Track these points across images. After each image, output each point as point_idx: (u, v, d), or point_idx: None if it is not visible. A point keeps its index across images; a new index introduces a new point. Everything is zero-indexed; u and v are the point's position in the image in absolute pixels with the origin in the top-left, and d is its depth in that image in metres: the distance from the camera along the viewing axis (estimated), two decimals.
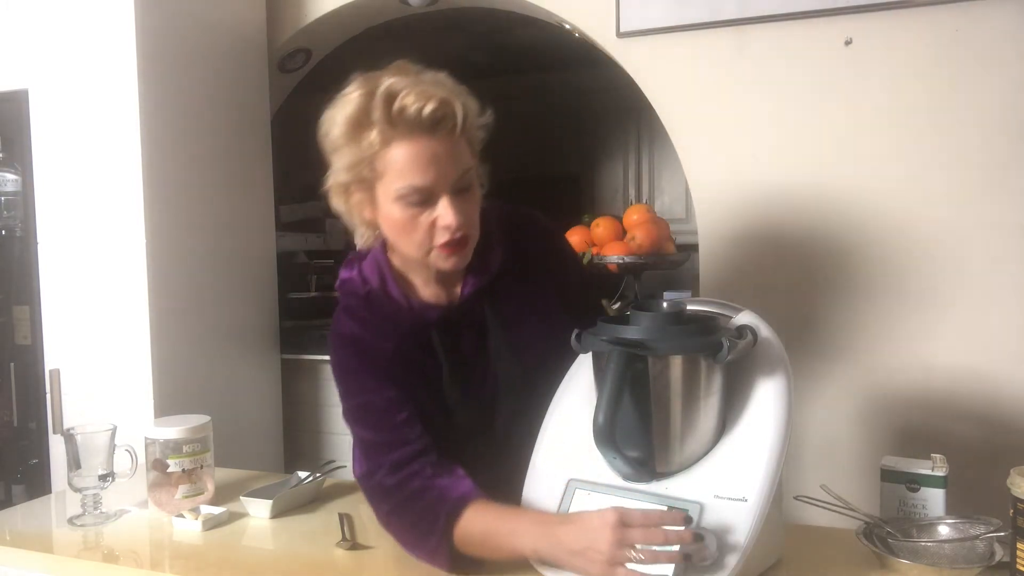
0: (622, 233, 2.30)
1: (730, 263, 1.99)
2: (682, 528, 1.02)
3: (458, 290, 1.25)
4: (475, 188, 1.17)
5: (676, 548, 1.00)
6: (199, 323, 2.14)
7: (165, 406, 1.97)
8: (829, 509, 1.25)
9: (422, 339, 1.24)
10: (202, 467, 1.51)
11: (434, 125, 1.10)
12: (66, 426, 1.58)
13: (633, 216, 2.33)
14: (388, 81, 1.10)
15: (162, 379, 2.00)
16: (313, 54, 2.61)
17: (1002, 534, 1.11)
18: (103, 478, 1.45)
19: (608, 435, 1.04)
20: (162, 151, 2.01)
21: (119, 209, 1.98)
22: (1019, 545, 1.05)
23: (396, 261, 1.25)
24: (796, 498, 1.28)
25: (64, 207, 2.05)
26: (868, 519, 1.21)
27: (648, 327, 1.08)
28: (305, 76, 2.69)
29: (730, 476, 1.06)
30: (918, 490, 1.23)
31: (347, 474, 1.32)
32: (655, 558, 1.00)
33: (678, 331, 1.08)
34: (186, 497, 1.48)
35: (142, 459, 1.50)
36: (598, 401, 1.04)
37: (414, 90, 1.09)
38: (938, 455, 1.25)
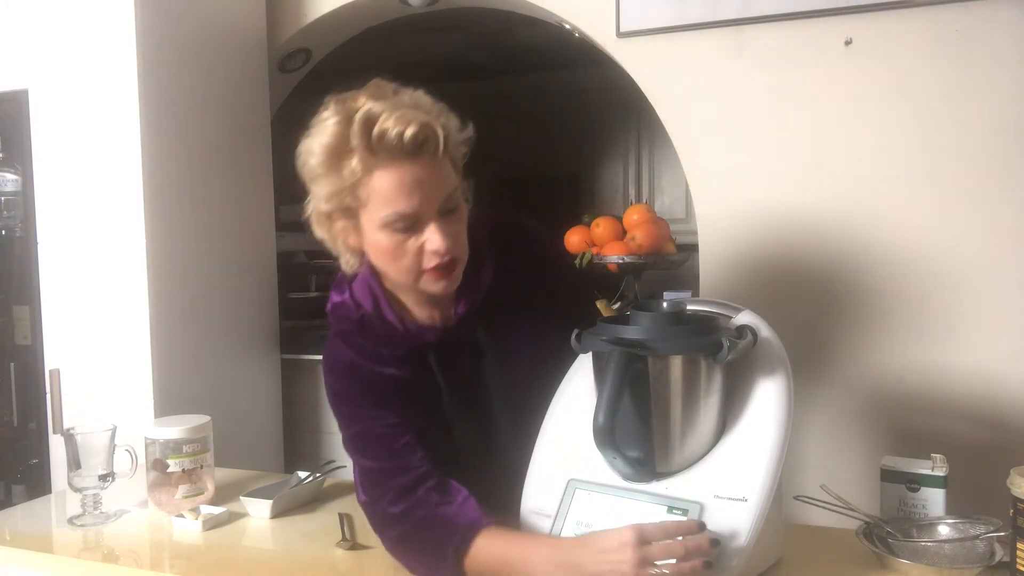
0: (622, 233, 2.30)
1: (730, 263, 1.99)
2: (700, 536, 1.01)
3: (452, 310, 1.23)
4: (462, 208, 1.14)
5: (699, 560, 0.99)
6: (199, 323, 2.14)
7: (165, 406, 1.97)
8: (829, 509, 1.25)
9: (419, 362, 1.22)
10: (202, 467, 1.51)
11: (416, 149, 1.07)
12: (66, 426, 1.58)
13: (633, 216, 2.33)
14: (366, 106, 1.06)
15: (162, 379, 2.00)
16: (313, 54, 2.61)
17: (1002, 534, 1.11)
18: (103, 478, 1.46)
19: (608, 435, 1.04)
20: (162, 151, 2.01)
21: (119, 209, 1.98)
22: (1019, 545, 1.05)
23: (387, 283, 1.22)
24: (796, 498, 1.28)
25: (64, 207, 2.05)
26: (868, 519, 1.21)
27: (648, 327, 1.08)
28: (305, 76, 2.69)
29: (730, 476, 1.06)
30: (918, 490, 1.23)
31: (347, 474, 1.31)
32: (679, 572, 0.98)
33: (678, 331, 1.08)
34: (186, 497, 1.48)
35: (142, 459, 1.50)
36: (598, 401, 1.04)
37: (393, 114, 1.05)
38: (938, 455, 1.25)
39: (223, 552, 1.34)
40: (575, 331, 1.11)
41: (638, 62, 2.05)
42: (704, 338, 1.07)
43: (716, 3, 1.94)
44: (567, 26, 2.20)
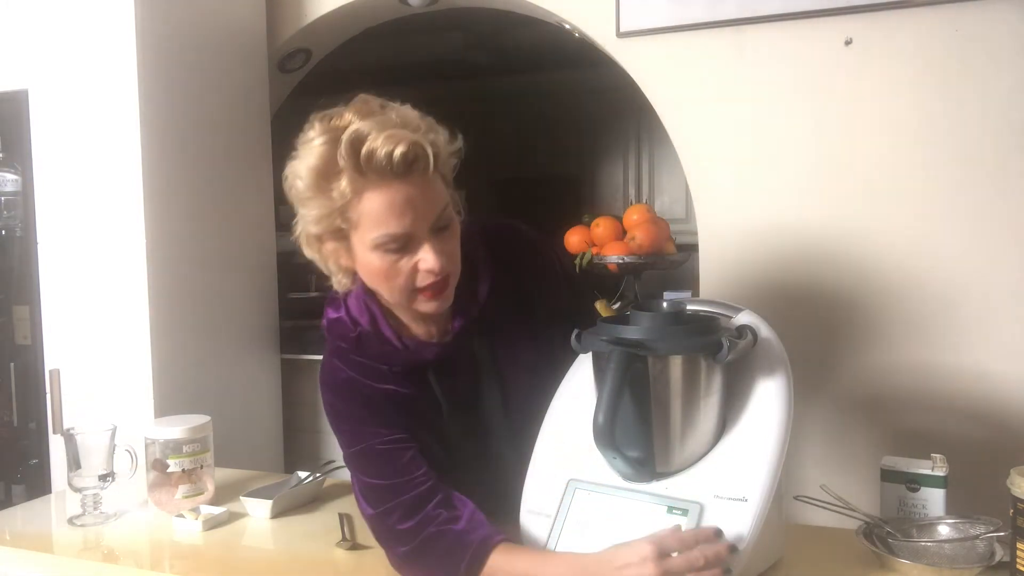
0: (622, 233, 2.30)
1: (730, 263, 1.99)
2: (718, 545, 1.00)
3: (449, 324, 1.21)
4: (454, 223, 1.12)
5: (719, 569, 0.99)
6: (199, 323, 2.14)
7: (165, 406, 1.97)
8: (829, 509, 1.25)
9: (418, 379, 1.21)
10: (202, 467, 1.51)
11: (406, 169, 1.04)
12: (66, 426, 1.58)
13: (633, 216, 2.33)
14: (353, 126, 1.04)
15: (162, 379, 2.00)
16: (313, 54, 2.61)
17: (1002, 534, 1.11)
18: (103, 478, 1.46)
19: (608, 435, 1.04)
20: (162, 151, 2.01)
21: (119, 209, 1.98)
22: (1019, 545, 1.05)
23: (383, 299, 1.20)
24: (796, 498, 1.28)
25: (64, 207, 2.05)
26: (868, 519, 1.21)
27: (648, 327, 1.08)
28: (305, 76, 2.69)
29: (730, 476, 1.06)
30: (918, 490, 1.23)
31: (347, 474, 1.31)
32: None
33: (678, 331, 1.08)
34: (186, 497, 1.48)
35: (142, 459, 1.50)
36: (598, 401, 1.04)
37: (381, 134, 1.03)
38: (938, 455, 1.25)
39: (223, 552, 1.34)
40: (575, 331, 1.11)
41: (638, 62, 2.05)
42: (704, 338, 1.07)
43: (716, 3, 1.94)
44: (567, 26, 2.20)
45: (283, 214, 2.48)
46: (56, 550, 1.36)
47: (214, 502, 1.50)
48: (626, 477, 1.10)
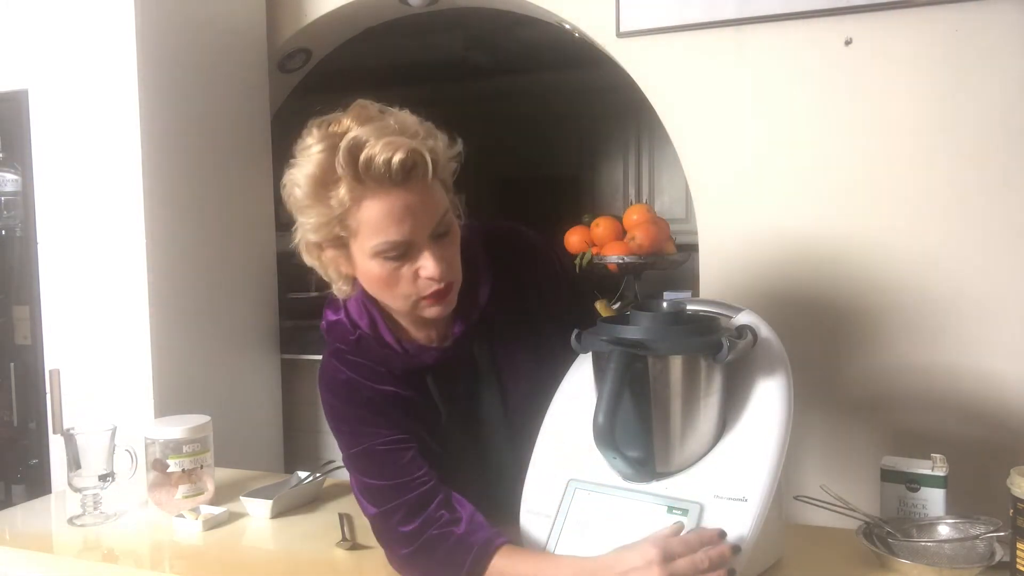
0: (622, 233, 2.30)
1: (730, 263, 1.99)
2: (722, 546, 1.00)
3: (449, 329, 1.21)
4: (454, 229, 1.12)
5: (723, 570, 0.99)
6: (199, 323, 2.14)
7: (165, 406, 1.97)
8: (829, 509, 1.25)
9: (417, 383, 1.21)
10: (202, 467, 1.51)
11: (405, 176, 1.03)
12: (66, 426, 1.58)
13: (633, 216, 2.33)
14: (351, 133, 1.03)
15: (162, 379, 2.00)
16: (313, 54, 2.61)
17: (1002, 534, 1.11)
18: (103, 478, 1.46)
19: (608, 435, 1.04)
20: (162, 151, 2.01)
21: (119, 209, 1.98)
22: (1019, 545, 1.05)
23: (382, 303, 1.20)
24: (796, 498, 1.28)
25: (64, 207, 2.05)
26: (868, 519, 1.21)
27: (648, 327, 1.08)
28: (305, 76, 2.69)
29: (730, 476, 1.06)
30: (918, 490, 1.23)
31: (347, 474, 1.31)
32: None
33: (678, 331, 1.08)
34: (186, 497, 1.48)
35: (142, 459, 1.50)
36: (598, 401, 1.04)
37: (379, 141, 1.02)
38: (938, 455, 1.25)
39: (223, 552, 1.34)
40: (575, 331, 1.11)
41: (638, 62, 2.05)
42: (704, 338, 1.07)
43: (716, 3, 1.94)
44: (567, 26, 2.20)
45: (283, 214, 2.48)
46: (56, 550, 1.36)
47: (214, 502, 1.50)
48: (626, 477, 1.10)
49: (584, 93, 4.75)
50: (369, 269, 1.10)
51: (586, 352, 1.13)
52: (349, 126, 1.05)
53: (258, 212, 2.37)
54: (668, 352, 1.06)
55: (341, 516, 1.42)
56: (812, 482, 1.40)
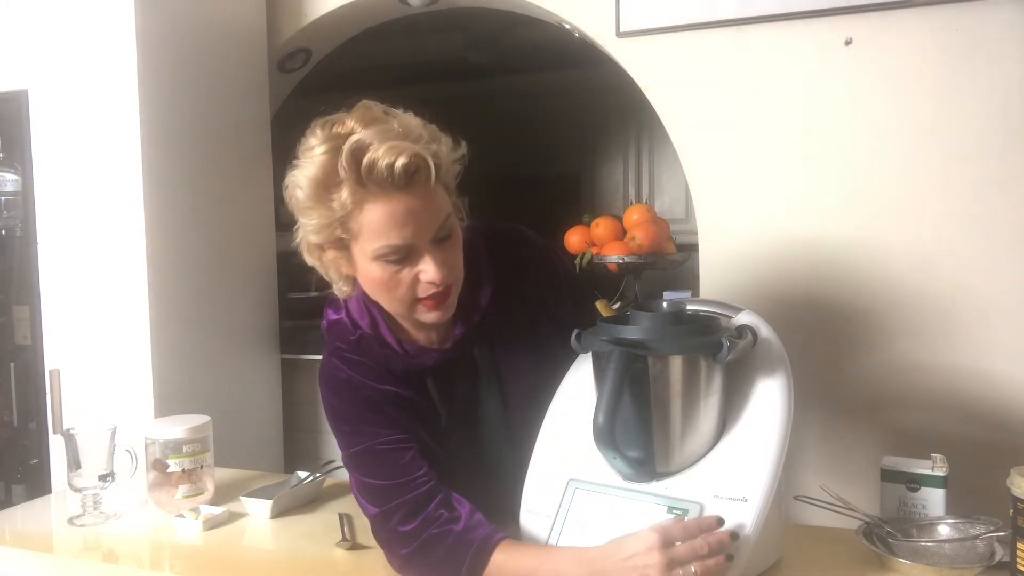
0: (622, 233, 2.30)
1: (730, 263, 1.99)
2: (721, 532, 1.01)
3: (450, 331, 1.21)
4: (456, 233, 1.12)
5: (722, 556, 1.00)
6: (199, 323, 2.14)
7: (165, 406, 1.97)
8: (829, 509, 1.25)
9: (417, 384, 1.22)
10: (202, 467, 1.51)
11: (407, 181, 1.03)
12: (66, 426, 1.58)
13: (633, 216, 2.33)
14: (355, 136, 1.03)
15: (162, 379, 2.00)
16: (313, 54, 2.61)
17: (1002, 534, 1.11)
18: (103, 478, 1.46)
19: (608, 435, 1.04)
20: (162, 151, 2.01)
21: (119, 209, 1.98)
22: (1019, 545, 1.05)
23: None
24: (796, 498, 1.28)
25: (64, 207, 2.05)
26: (868, 519, 1.21)
27: (648, 327, 1.08)
28: (305, 76, 2.69)
29: (730, 476, 1.06)
30: (918, 490, 1.23)
31: (347, 474, 1.31)
32: (707, 570, 0.98)
33: (678, 331, 1.08)
34: (186, 497, 1.48)
35: (142, 459, 1.50)
36: (598, 401, 1.04)
37: (383, 145, 1.02)
38: (938, 455, 1.25)
39: (223, 552, 1.34)
40: (575, 331, 1.11)
41: (638, 62, 2.05)
42: (704, 338, 1.07)
43: (716, 3, 1.94)
44: (567, 26, 2.20)
45: (283, 214, 2.48)
46: (56, 550, 1.36)
47: (214, 502, 1.50)
48: (626, 477, 1.10)
49: (584, 93, 4.75)
50: (369, 272, 1.10)
51: (586, 352, 1.13)
52: (353, 128, 1.05)
53: (258, 212, 2.37)
54: (668, 352, 1.06)
55: (341, 516, 1.42)
56: (812, 482, 1.40)
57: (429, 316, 1.13)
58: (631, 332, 1.07)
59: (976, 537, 1.15)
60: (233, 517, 1.45)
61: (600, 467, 1.12)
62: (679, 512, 1.06)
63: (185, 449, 1.48)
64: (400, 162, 1.02)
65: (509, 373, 1.25)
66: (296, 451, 2.50)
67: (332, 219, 1.06)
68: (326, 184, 1.05)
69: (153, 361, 1.98)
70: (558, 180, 4.99)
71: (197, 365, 2.13)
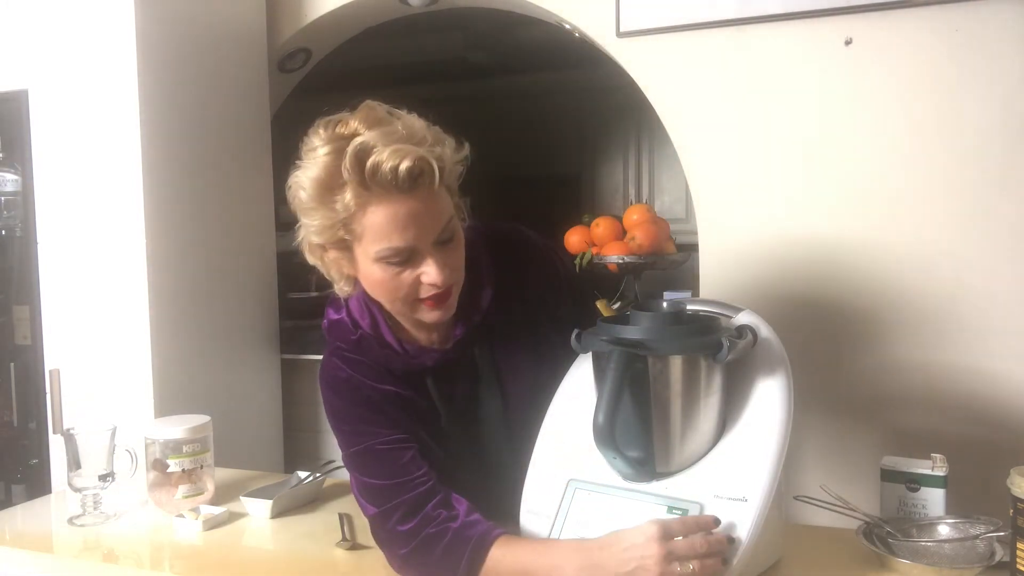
0: (622, 233, 2.30)
1: (730, 263, 1.99)
2: (720, 534, 1.01)
3: (451, 331, 1.21)
4: (458, 235, 1.12)
5: (719, 557, 1.00)
6: (199, 323, 2.14)
7: (165, 406, 1.97)
8: (829, 509, 1.25)
9: (417, 384, 1.22)
10: (202, 467, 1.51)
11: (411, 184, 1.03)
12: (66, 426, 1.58)
13: (633, 216, 2.33)
14: (358, 138, 1.03)
15: (162, 379, 2.00)
16: (313, 54, 2.61)
17: (1002, 534, 1.11)
18: (103, 478, 1.46)
19: (608, 435, 1.04)
20: (162, 151, 2.01)
21: (119, 209, 1.98)
22: (1019, 545, 1.05)
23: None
24: (796, 498, 1.28)
25: (64, 207, 2.05)
26: (868, 519, 1.21)
27: (648, 327, 1.08)
28: (305, 76, 2.69)
29: (730, 476, 1.06)
30: (918, 490, 1.23)
31: (347, 474, 1.31)
32: (704, 568, 0.98)
33: (678, 331, 1.08)
34: (186, 497, 1.48)
35: (142, 459, 1.50)
36: (598, 401, 1.04)
37: (387, 148, 1.02)
38: (938, 455, 1.25)
39: (223, 552, 1.34)
40: (575, 331, 1.11)
41: (638, 62, 2.05)
42: (704, 338, 1.07)
43: (716, 3, 1.94)
44: (567, 26, 2.20)
45: (283, 214, 2.48)
46: (56, 550, 1.36)
47: (214, 502, 1.50)
48: (626, 477, 1.10)
49: (584, 93, 4.75)
50: (371, 273, 1.10)
51: (586, 352, 1.13)
52: (356, 128, 1.05)
53: (258, 212, 2.37)
54: (668, 352, 1.06)
55: (341, 516, 1.42)
56: (812, 482, 1.40)
57: (430, 316, 1.14)
58: (631, 332, 1.07)
59: (976, 537, 1.15)
60: (233, 517, 1.45)
61: (600, 467, 1.12)
62: (679, 512, 1.06)
63: (185, 449, 1.48)
64: (404, 165, 1.02)
65: (509, 373, 1.25)
66: (296, 451, 2.50)
67: (335, 220, 1.06)
68: (329, 185, 1.05)
69: (153, 361, 1.98)
70: (558, 180, 4.99)
71: (197, 365, 2.13)
